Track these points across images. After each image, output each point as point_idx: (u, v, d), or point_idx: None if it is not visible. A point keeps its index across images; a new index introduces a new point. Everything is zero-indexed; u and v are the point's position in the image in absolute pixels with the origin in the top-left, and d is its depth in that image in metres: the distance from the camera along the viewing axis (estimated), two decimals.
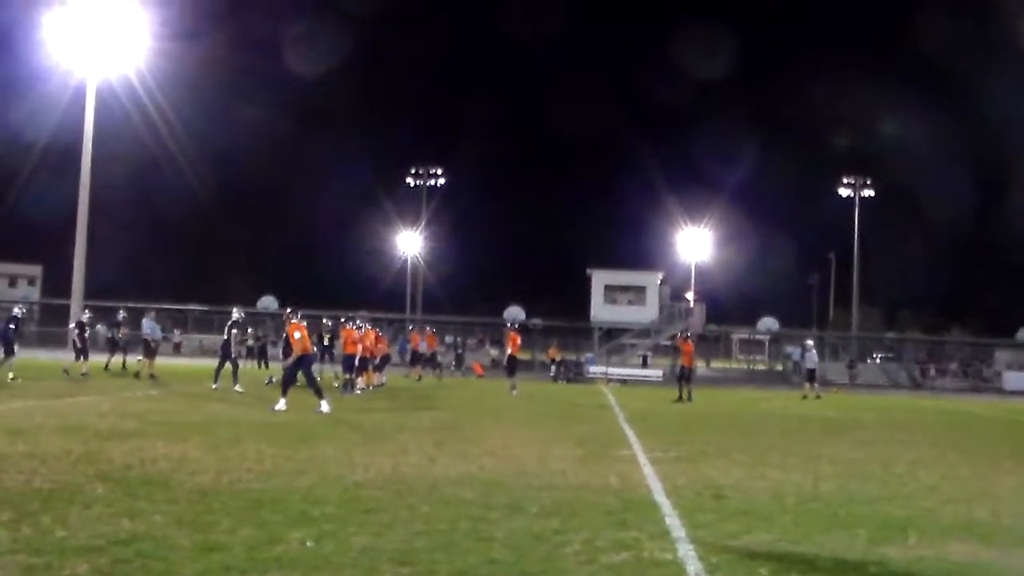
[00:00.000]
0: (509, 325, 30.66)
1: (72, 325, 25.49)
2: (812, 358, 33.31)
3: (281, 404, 17.06)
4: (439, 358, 37.88)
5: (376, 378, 26.42)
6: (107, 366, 27.11)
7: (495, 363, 44.58)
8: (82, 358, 24.42)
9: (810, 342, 36.28)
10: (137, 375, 25.17)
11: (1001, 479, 11.59)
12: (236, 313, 23.91)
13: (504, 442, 13.43)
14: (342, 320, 26.91)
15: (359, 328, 24.67)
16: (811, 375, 32.79)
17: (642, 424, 17.97)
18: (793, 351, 59.65)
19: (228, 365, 22.81)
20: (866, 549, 7.24)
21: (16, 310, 25.14)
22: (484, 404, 22.33)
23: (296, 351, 17.88)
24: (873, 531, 7.85)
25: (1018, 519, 8.72)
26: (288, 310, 19.40)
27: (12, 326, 23.60)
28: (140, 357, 26.16)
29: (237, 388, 21.76)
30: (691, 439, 15.24)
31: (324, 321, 28.18)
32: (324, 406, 17.02)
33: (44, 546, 6.24)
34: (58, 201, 49.77)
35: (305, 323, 18.80)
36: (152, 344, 25.83)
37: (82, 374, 23.79)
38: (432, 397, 23.97)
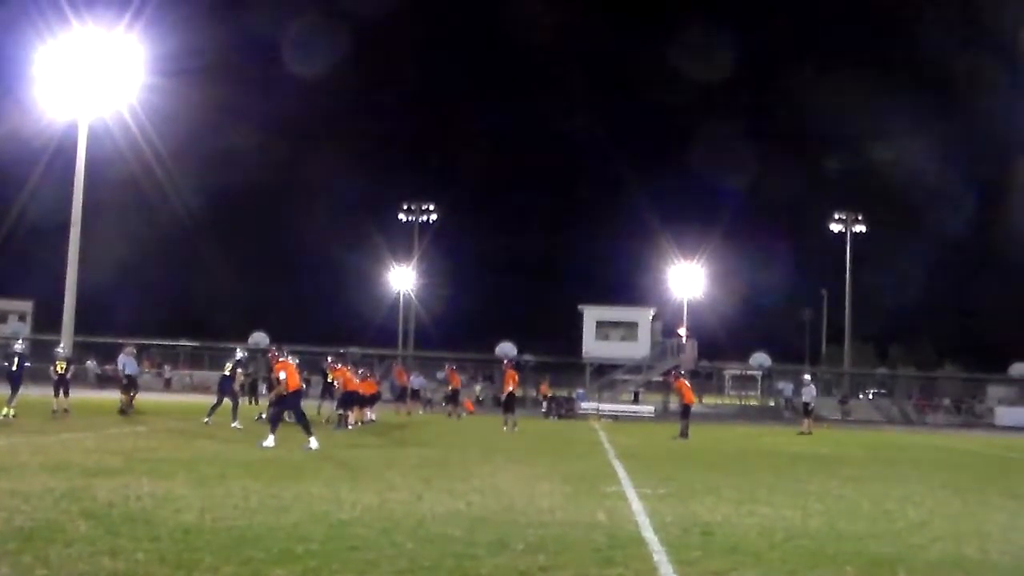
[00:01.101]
0: (506, 362, 30.39)
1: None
2: (810, 392, 33.29)
3: (269, 440, 16.98)
4: (460, 396, 37.38)
5: (366, 414, 26.39)
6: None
7: (479, 400, 44.44)
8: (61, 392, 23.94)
9: (807, 376, 36.26)
10: (123, 411, 25.05)
11: (991, 516, 11.55)
12: (240, 352, 24.03)
13: (492, 479, 13.36)
14: (329, 360, 27.00)
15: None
16: (807, 409, 32.71)
17: (632, 460, 17.90)
18: (785, 387, 59.69)
19: (227, 402, 22.80)
20: None
21: (18, 346, 25.19)
22: (473, 440, 22.23)
23: (282, 390, 17.86)
24: (861, 568, 7.81)
25: (1006, 556, 8.69)
26: (274, 349, 19.38)
27: (23, 363, 23.96)
28: (120, 394, 26.04)
29: (235, 425, 21.69)
30: (681, 475, 15.18)
31: (328, 359, 28.31)
32: (312, 443, 16.95)
33: None
34: (49, 236, 49.80)
35: (294, 361, 18.81)
36: (129, 380, 25.83)
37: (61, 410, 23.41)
38: (421, 434, 23.86)
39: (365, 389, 26.07)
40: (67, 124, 43.03)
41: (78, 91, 41.42)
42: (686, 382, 28.91)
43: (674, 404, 53.08)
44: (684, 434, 25.97)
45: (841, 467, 18.52)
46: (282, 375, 17.87)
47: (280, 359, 18.32)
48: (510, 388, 28.56)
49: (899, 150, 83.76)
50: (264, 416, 22.96)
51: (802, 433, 30.78)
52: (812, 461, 19.94)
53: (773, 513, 10.87)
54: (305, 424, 17.73)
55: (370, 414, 27.17)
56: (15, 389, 23.24)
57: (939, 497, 13.53)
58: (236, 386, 23.53)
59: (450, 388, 35.94)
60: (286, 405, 18.07)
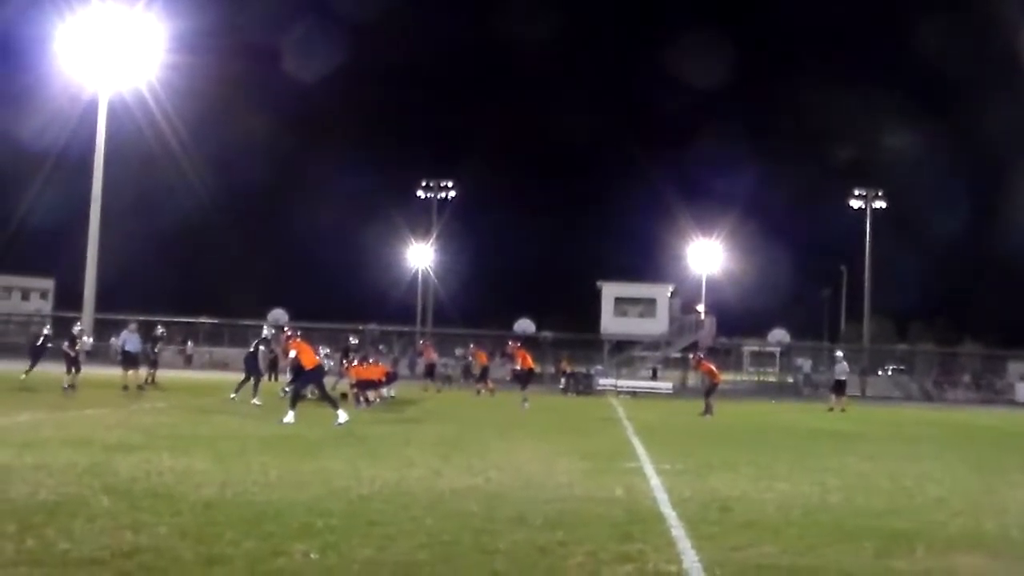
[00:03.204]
0: (512, 341, 30.20)
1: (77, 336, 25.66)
2: (844, 369, 33.23)
3: (289, 417, 17.06)
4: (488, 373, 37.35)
5: (382, 393, 26.44)
6: (151, 379, 27.20)
7: (467, 371, 44.39)
8: (73, 370, 24.24)
9: (839, 353, 36.14)
10: (141, 387, 25.23)
11: (1010, 492, 11.52)
12: (266, 329, 24.23)
13: (510, 455, 13.40)
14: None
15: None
16: (839, 386, 32.64)
17: (650, 436, 17.91)
18: (803, 363, 59.55)
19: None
20: (872, 562, 7.21)
21: (46, 329, 25.89)
22: (492, 417, 22.28)
23: (304, 366, 17.98)
24: (880, 544, 7.80)
25: None
26: (287, 329, 19.48)
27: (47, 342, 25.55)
28: (127, 371, 26.16)
29: (255, 401, 21.82)
30: (699, 451, 15.19)
31: (351, 339, 28.45)
32: (342, 415, 16.96)
33: (47, 558, 6.26)
34: (70, 214, 50.09)
35: (303, 340, 18.95)
36: (128, 356, 25.98)
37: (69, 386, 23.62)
38: (439, 411, 23.93)
39: (372, 374, 26.14)
40: (87, 101, 43.22)
41: (98, 68, 41.58)
42: (710, 364, 28.86)
43: (692, 380, 53.23)
44: (709, 411, 25.96)
45: (860, 443, 18.49)
46: (292, 353, 18.02)
47: (293, 339, 18.46)
48: (517, 366, 28.60)
49: (920, 126, 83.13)
50: (288, 392, 23.18)
51: (831, 410, 30.70)
52: (831, 437, 19.91)
53: (791, 489, 10.87)
54: (330, 400, 17.83)
55: (387, 391, 27.19)
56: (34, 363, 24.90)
57: (958, 473, 13.50)
58: (261, 364, 23.78)
59: (478, 366, 35.85)
60: (307, 382, 18.17)
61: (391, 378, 28.22)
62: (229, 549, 6.70)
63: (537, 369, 34.13)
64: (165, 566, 6.20)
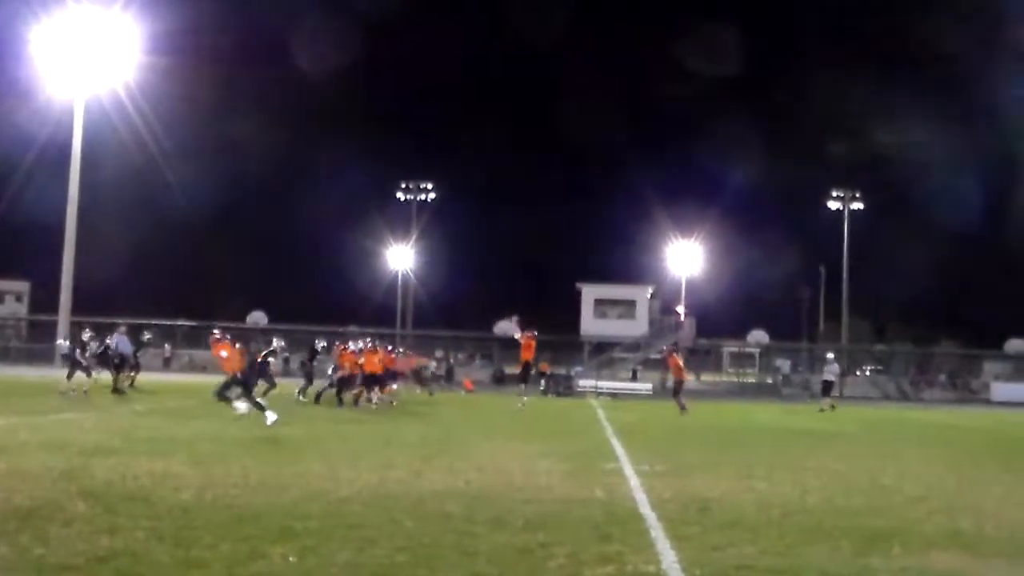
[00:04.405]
0: (525, 331, 29.57)
1: (64, 341, 25.71)
2: (834, 370, 33.43)
3: (270, 416, 16.90)
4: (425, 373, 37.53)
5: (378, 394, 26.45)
6: (131, 382, 27.13)
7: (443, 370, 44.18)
8: (86, 375, 24.38)
9: (831, 355, 36.32)
10: (121, 391, 25.13)
11: (986, 490, 11.59)
12: (276, 342, 24.25)
13: (491, 457, 13.39)
14: (339, 344, 27.08)
15: (362, 348, 25.11)
16: (828, 387, 32.81)
17: (630, 438, 17.94)
18: (782, 364, 59.82)
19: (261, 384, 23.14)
20: (850, 560, 7.24)
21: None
22: (473, 419, 22.27)
23: (228, 369, 17.97)
24: (858, 543, 7.84)
25: (1002, 530, 8.73)
26: (215, 331, 19.48)
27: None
28: (114, 373, 26.13)
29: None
30: (678, 452, 15.23)
31: (317, 341, 28.44)
32: (271, 417, 16.82)
33: (21, 565, 6.21)
34: (46, 216, 49.67)
35: (233, 341, 19.04)
36: (122, 359, 25.97)
37: (73, 391, 23.67)
38: (421, 412, 23.91)
39: (389, 364, 26.31)
40: (64, 103, 42.94)
41: (75, 70, 41.32)
42: (679, 359, 28.99)
43: (671, 382, 53.37)
44: (683, 408, 26.07)
45: (838, 443, 18.58)
46: (224, 354, 18.05)
47: (220, 340, 18.46)
48: (525, 357, 28.33)
49: (897, 129, 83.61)
50: (302, 398, 24.37)
51: (823, 410, 30.84)
52: (810, 437, 20.00)
53: (770, 489, 10.90)
54: (255, 403, 17.62)
55: (392, 388, 27.10)
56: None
57: (935, 472, 13.58)
58: (271, 371, 23.85)
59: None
60: (233, 384, 18.15)
61: (394, 376, 28.26)
62: (207, 553, 6.66)
63: (513, 371, 33.88)
64: (142, 571, 6.16)
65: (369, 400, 24.08)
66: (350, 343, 27.21)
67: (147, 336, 28.75)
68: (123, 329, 27.22)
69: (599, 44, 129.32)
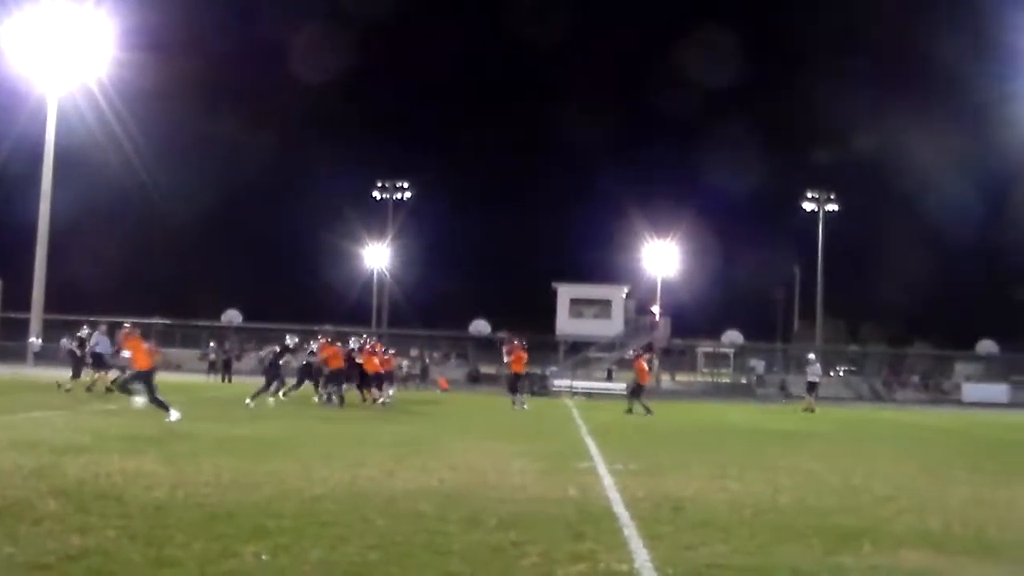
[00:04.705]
0: (517, 342, 29.34)
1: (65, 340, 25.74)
2: (816, 371, 33.67)
3: (174, 415, 17.00)
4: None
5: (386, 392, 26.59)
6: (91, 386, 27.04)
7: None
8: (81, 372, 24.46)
9: (812, 356, 36.53)
10: (89, 389, 24.97)
11: (955, 490, 11.70)
12: (289, 339, 24.26)
13: (465, 456, 13.39)
14: (321, 339, 27.00)
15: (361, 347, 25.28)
16: (812, 387, 33.05)
17: (604, 437, 17.99)
18: (756, 364, 60.11)
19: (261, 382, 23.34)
20: (821, 559, 7.30)
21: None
22: (447, 418, 22.28)
23: (136, 367, 17.99)
24: (828, 541, 7.90)
25: (969, 528, 8.82)
26: (125, 326, 19.47)
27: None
28: (94, 373, 26.03)
29: (248, 402, 21.89)
30: (652, 452, 15.29)
31: (351, 342, 28.34)
32: (173, 415, 16.99)
33: None
34: (18, 214, 49.27)
35: (143, 339, 19.02)
36: (97, 358, 25.88)
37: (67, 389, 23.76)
38: (395, 412, 23.90)
39: (384, 366, 26.41)
40: (37, 99, 42.62)
41: (48, 67, 41.01)
42: (645, 363, 29.20)
43: (632, 383, 53.52)
44: (632, 408, 26.35)
45: (811, 443, 18.71)
46: (127, 353, 18.04)
47: (131, 336, 18.42)
48: (515, 369, 28.30)
49: (872, 131, 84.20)
50: (324, 398, 24.40)
51: (807, 409, 31.09)
52: (783, 437, 20.13)
53: (743, 489, 10.96)
54: (159, 402, 17.60)
55: (389, 391, 27.13)
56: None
57: (905, 472, 13.69)
58: (282, 369, 23.89)
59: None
60: (139, 380, 18.11)
61: (391, 376, 28.31)
62: (179, 551, 6.64)
63: (488, 370, 34.00)
64: (113, 569, 6.12)
65: (375, 400, 24.30)
66: (352, 340, 27.26)
67: (86, 331, 28.46)
68: (103, 328, 27.10)
69: (576, 44, 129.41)
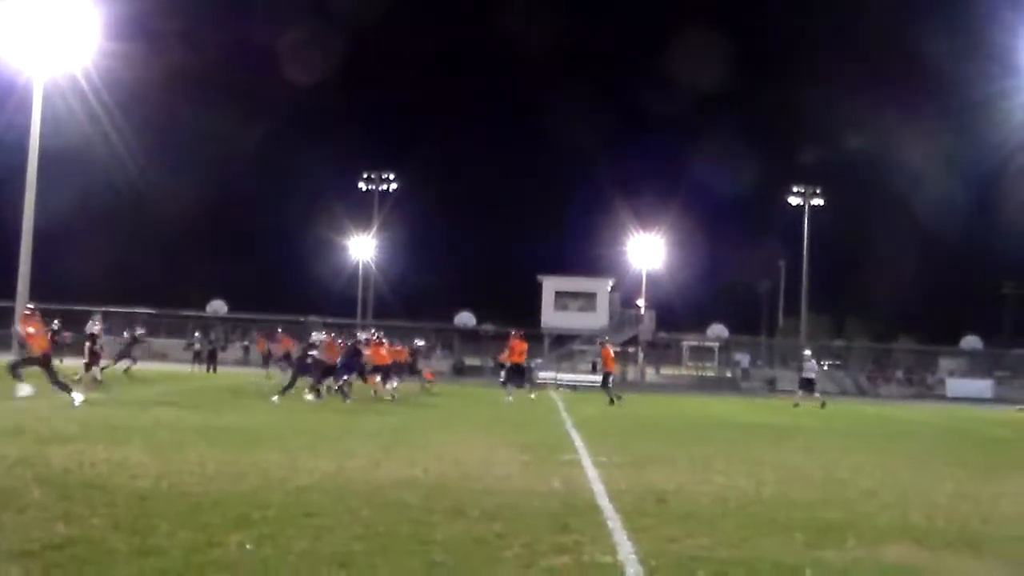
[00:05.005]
0: (513, 332, 29.20)
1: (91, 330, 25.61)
2: (811, 367, 33.69)
3: (26, 389, 17.55)
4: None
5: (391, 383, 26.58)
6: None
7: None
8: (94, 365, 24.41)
9: (808, 352, 36.47)
10: (79, 379, 24.89)
11: (938, 484, 11.76)
12: (315, 335, 24.29)
13: (450, 447, 13.41)
14: (331, 334, 26.97)
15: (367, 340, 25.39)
16: (810, 384, 33.06)
17: (589, 430, 18.02)
18: (742, 358, 60.31)
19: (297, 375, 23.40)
20: (803, 552, 7.34)
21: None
22: (433, 409, 22.28)
23: (34, 348, 18.22)
24: (811, 534, 7.95)
25: (952, 523, 8.88)
26: (27, 307, 19.54)
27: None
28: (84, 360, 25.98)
29: (275, 399, 21.74)
30: (637, 445, 15.33)
31: (357, 333, 28.29)
32: (77, 398, 17.29)
33: None
34: (3, 204, 48.98)
35: (42, 323, 19.17)
36: (98, 348, 25.81)
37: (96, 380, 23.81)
38: (381, 403, 23.89)
39: (394, 356, 26.47)
40: (22, 86, 42.31)
41: (33, 53, 40.72)
42: (611, 351, 29.52)
43: (632, 375, 53.69)
44: (613, 399, 26.51)
45: (795, 437, 18.76)
46: (31, 330, 18.19)
47: (31, 317, 18.49)
48: (511, 359, 28.34)
49: (859, 126, 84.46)
50: (335, 390, 23.95)
51: (797, 406, 31.13)
52: (767, 431, 20.19)
53: (727, 482, 11.01)
54: (62, 385, 17.85)
55: (393, 384, 27.11)
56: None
57: (889, 466, 13.76)
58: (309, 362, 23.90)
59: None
60: (33, 364, 18.35)
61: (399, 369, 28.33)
62: (164, 541, 6.63)
63: (473, 362, 34.03)
64: (98, 558, 6.12)
65: (385, 392, 24.38)
66: (359, 334, 27.32)
67: (139, 331, 28.37)
68: (98, 317, 27.16)
69: (564, 39, 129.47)
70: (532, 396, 26.81)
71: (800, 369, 35.06)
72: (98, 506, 7.68)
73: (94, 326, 25.62)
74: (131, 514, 7.45)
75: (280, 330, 36.47)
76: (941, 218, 73.00)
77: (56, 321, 26.46)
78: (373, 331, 28.97)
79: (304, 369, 23.81)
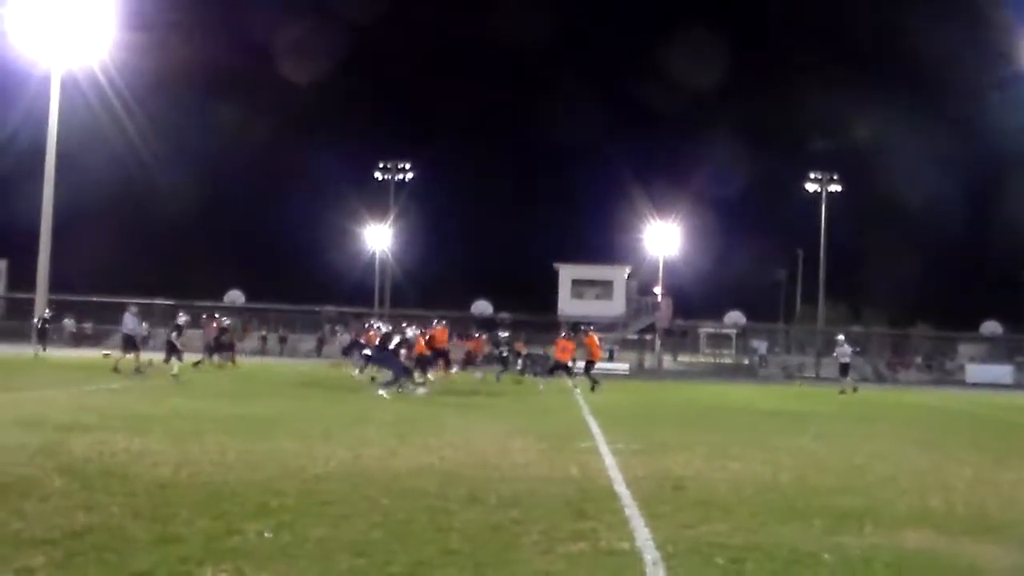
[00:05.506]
0: (565, 333, 29.66)
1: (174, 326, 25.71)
2: (846, 352, 33.60)
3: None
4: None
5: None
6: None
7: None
8: (175, 359, 24.45)
9: (841, 337, 36.30)
10: (116, 369, 24.94)
11: (957, 470, 11.72)
12: (375, 321, 24.36)
13: (467, 435, 13.44)
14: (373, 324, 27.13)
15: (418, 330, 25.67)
16: (845, 369, 33.00)
17: (606, 417, 18.00)
18: (759, 345, 60.14)
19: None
20: (821, 538, 7.32)
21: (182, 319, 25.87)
22: (448, 397, 22.29)
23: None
24: (829, 521, 7.94)
25: (971, 509, 8.85)
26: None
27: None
28: (121, 352, 26.16)
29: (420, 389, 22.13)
30: (654, 432, 15.31)
31: (403, 325, 28.26)
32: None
33: None
34: (23, 195, 49.22)
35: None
36: (136, 339, 26.12)
37: (173, 375, 23.82)
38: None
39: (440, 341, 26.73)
40: (40, 79, 42.50)
41: (51, 45, 40.88)
42: (596, 339, 29.66)
43: (649, 362, 53.59)
44: (593, 386, 26.61)
45: (812, 423, 18.72)
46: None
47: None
48: (558, 356, 28.54)
49: (875, 114, 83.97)
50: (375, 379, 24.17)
51: (843, 392, 30.99)
52: (784, 418, 20.15)
53: (744, 468, 11.00)
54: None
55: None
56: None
57: (907, 453, 13.72)
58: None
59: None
60: None
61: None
62: (183, 528, 6.69)
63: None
64: (118, 546, 6.17)
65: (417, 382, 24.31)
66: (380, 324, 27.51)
67: (183, 318, 28.11)
68: (134, 309, 27.23)
69: (581, 24, 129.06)
70: (541, 388, 26.77)
71: (836, 355, 34.91)
72: (118, 495, 7.75)
73: (181, 318, 25.77)
74: (151, 502, 7.51)
75: (372, 322, 36.57)
76: (961, 202, 72.63)
77: (182, 317, 26.46)
78: (435, 321, 29.24)
79: (419, 363, 24.00)
